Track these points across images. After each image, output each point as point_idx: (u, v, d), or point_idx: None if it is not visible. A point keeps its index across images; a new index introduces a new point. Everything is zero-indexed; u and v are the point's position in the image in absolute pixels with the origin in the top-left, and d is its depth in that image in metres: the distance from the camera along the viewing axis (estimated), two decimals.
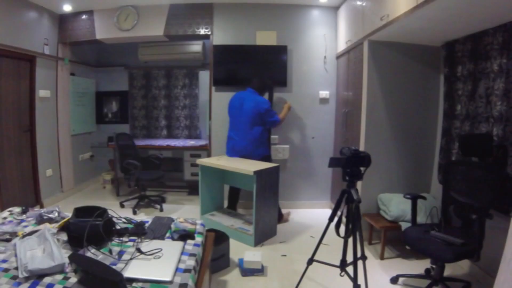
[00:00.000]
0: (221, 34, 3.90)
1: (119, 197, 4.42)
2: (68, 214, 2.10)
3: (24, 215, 2.18)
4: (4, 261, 1.55)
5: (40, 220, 2.04)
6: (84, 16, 4.04)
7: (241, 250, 2.77)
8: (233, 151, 3.49)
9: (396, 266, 2.63)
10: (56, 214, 2.11)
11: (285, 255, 2.81)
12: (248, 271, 2.47)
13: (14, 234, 1.83)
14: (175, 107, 5.11)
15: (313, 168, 4.04)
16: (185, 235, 1.90)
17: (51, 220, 2.06)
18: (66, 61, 4.19)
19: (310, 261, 2.16)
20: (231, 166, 3.08)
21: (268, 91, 3.62)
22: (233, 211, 3.69)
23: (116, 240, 1.81)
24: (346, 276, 2.08)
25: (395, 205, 2.80)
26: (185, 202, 4.37)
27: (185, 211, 3.99)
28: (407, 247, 2.36)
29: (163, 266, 1.54)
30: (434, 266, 2.24)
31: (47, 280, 1.41)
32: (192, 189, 4.87)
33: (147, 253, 1.64)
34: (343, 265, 2.13)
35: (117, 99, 5.27)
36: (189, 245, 1.84)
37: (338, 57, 3.87)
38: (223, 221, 3.34)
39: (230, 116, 3.53)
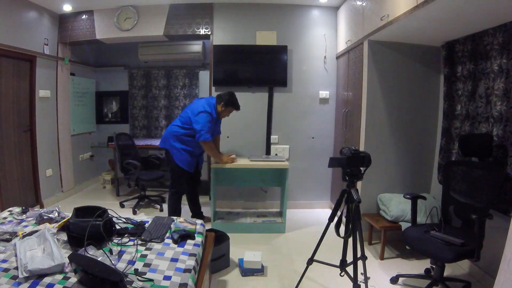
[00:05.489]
0: (221, 34, 3.90)
1: (119, 197, 4.42)
2: (68, 214, 2.10)
3: (24, 215, 2.18)
4: (4, 261, 1.55)
5: (40, 220, 2.04)
6: (84, 16, 4.04)
7: (241, 250, 2.76)
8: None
9: (396, 266, 2.63)
10: (56, 214, 2.11)
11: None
12: (248, 271, 2.47)
13: (14, 234, 1.83)
14: (175, 107, 5.11)
15: (313, 168, 4.04)
16: (185, 235, 1.90)
17: (51, 220, 2.06)
18: (66, 61, 4.19)
19: (310, 261, 2.16)
20: (263, 163, 3.36)
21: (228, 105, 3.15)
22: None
23: (116, 240, 1.81)
24: (346, 276, 2.08)
25: (395, 205, 2.80)
26: (185, 202, 4.35)
27: (185, 211, 3.98)
28: (407, 247, 2.36)
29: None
30: (434, 266, 2.24)
31: (47, 280, 1.41)
32: None
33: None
34: (343, 265, 2.14)
35: (117, 99, 5.27)
36: (189, 245, 1.84)
37: (338, 57, 3.87)
38: (241, 221, 3.53)
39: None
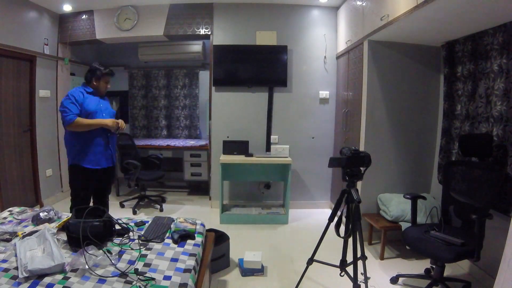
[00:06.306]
0: (221, 34, 3.90)
1: (119, 197, 4.42)
2: (66, 214, 2.10)
3: (24, 215, 2.18)
4: (4, 261, 1.55)
5: (37, 222, 2.03)
6: (84, 16, 4.04)
7: (241, 250, 2.76)
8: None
9: (396, 266, 2.62)
10: (53, 214, 2.10)
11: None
12: (248, 271, 2.47)
13: (14, 234, 1.82)
14: (175, 107, 5.11)
15: (313, 168, 4.04)
16: (185, 235, 1.90)
17: (49, 221, 2.05)
18: (66, 61, 4.19)
19: (310, 261, 2.16)
20: (268, 159, 3.57)
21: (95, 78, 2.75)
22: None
23: (116, 240, 1.81)
24: (346, 276, 2.08)
25: (395, 205, 2.80)
26: (185, 202, 4.37)
27: (185, 211, 3.99)
28: (407, 247, 2.36)
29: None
30: (434, 266, 2.24)
31: (47, 280, 1.41)
32: (192, 189, 4.87)
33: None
34: (343, 265, 2.14)
35: (117, 99, 5.27)
36: (189, 245, 1.84)
37: (338, 57, 3.87)
38: (248, 212, 3.70)
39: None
